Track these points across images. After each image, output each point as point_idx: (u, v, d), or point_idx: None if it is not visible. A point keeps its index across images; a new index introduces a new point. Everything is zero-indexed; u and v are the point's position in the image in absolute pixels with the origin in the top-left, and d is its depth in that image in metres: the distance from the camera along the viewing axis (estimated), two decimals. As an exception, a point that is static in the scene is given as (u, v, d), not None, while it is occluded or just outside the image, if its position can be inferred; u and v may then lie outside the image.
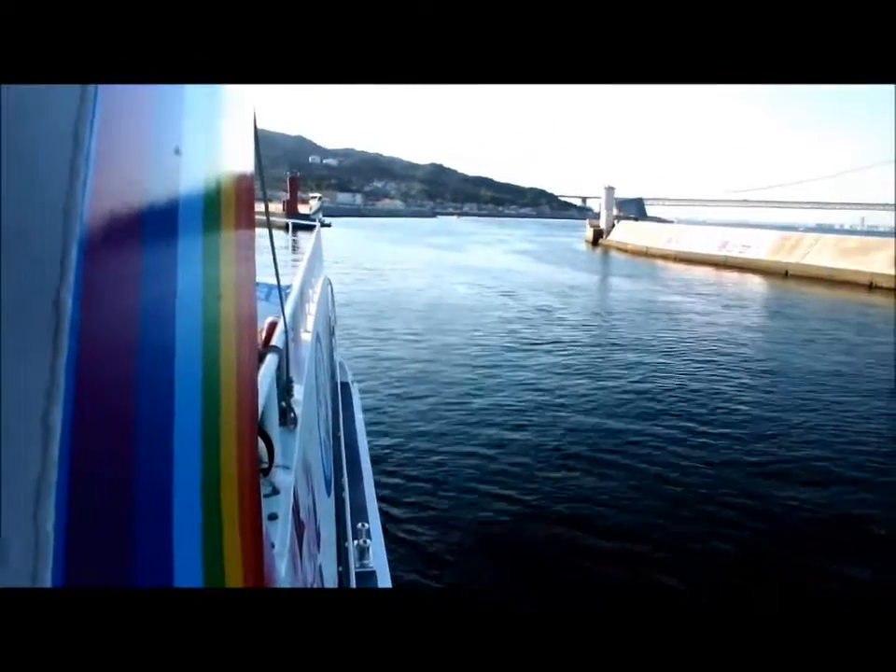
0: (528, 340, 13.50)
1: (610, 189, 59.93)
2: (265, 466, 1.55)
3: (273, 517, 1.45)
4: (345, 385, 5.99)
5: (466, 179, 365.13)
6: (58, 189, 0.35)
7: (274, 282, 1.85)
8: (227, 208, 0.81)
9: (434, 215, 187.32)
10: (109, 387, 0.42)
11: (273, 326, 2.22)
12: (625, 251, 48.66)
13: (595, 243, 57.87)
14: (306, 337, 3.11)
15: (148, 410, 0.49)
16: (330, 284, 6.04)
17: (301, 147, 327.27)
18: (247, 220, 0.96)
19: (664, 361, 12.03)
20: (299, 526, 1.67)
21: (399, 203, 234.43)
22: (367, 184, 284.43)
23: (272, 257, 1.73)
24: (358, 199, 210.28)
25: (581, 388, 9.95)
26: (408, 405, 8.76)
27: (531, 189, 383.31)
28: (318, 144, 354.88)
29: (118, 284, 0.44)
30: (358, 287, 20.12)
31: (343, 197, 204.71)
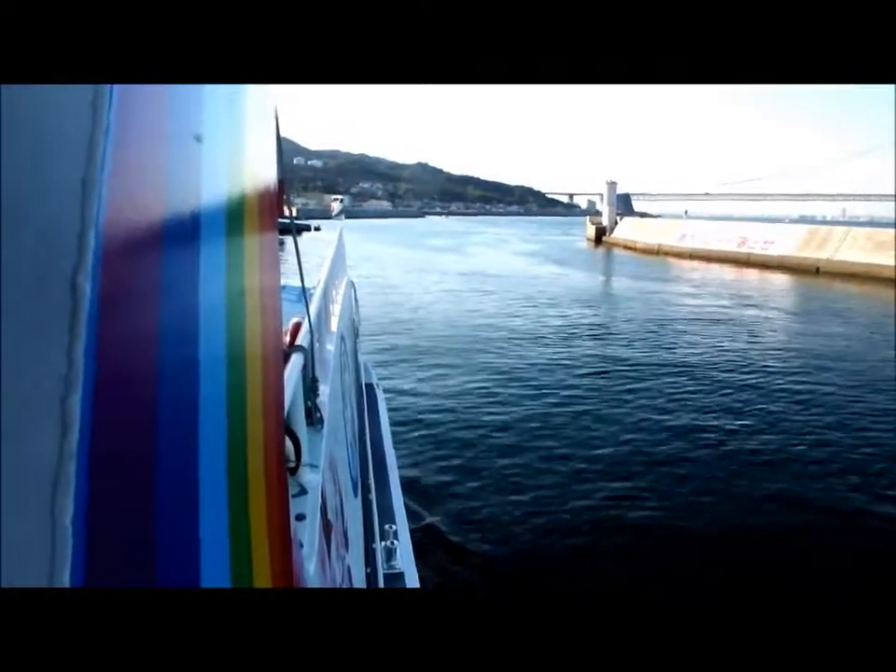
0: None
1: (612, 185, 57.55)
2: (292, 465, 1.53)
3: (300, 517, 1.44)
4: (370, 387, 5.87)
5: (452, 178, 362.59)
6: (75, 175, 0.34)
7: (297, 285, 1.89)
8: (250, 210, 0.81)
9: (423, 215, 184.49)
10: (130, 379, 0.41)
11: (297, 326, 2.28)
12: (634, 249, 46.28)
13: (598, 241, 55.47)
14: (331, 338, 3.10)
15: (172, 405, 0.48)
16: (354, 286, 5.87)
17: (285, 148, 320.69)
18: (271, 222, 0.97)
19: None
20: (326, 526, 1.66)
21: (386, 204, 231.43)
22: (353, 185, 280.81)
23: (296, 259, 1.77)
24: (346, 200, 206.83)
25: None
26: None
27: (518, 187, 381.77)
28: (302, 145, 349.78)
29: (138, 272, 0.43)
30: (369, 302, 17.24)
31: (330, 199, 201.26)
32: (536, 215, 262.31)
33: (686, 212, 52.92)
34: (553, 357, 11.73)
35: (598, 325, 15.32)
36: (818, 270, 30.64)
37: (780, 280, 28.30)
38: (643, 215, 61.22)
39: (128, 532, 0.39)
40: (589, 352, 12.25)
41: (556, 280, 26.15)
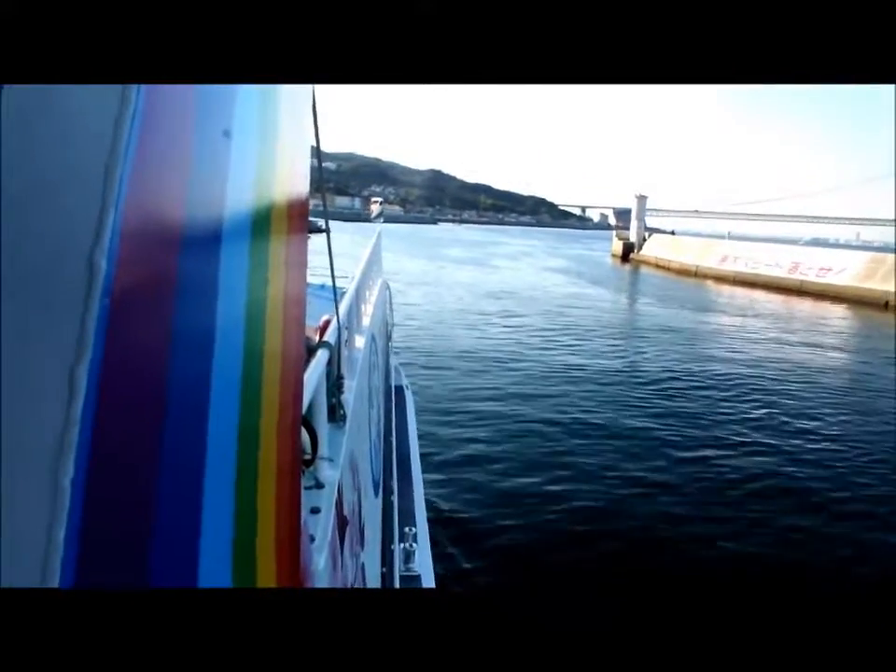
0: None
1: (643, 199, 54.62)
2: (308, 457, 1.53)
3: (315, 510, 1.44)
4: (400, 389, 5.82)
5: (465, 186, 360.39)
6: (99, 162, 0.35)
7: (340, 282, 1.98)
8: (278, 208, 0.82)
9: (435, 221, 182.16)
10: (141, 360, 0.41)
11: (327, 323, 2.29)
12: (667, 269, 43.14)
13: (624, 258, 52.43)
14: (361, 337, 3.07)
15: (182, 390, 0.48)
16: (388, 287, 5.93)
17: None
18: (300, 222, 0.96)
19: None
20: (341, 521, 1.65)
21: (398, 209, 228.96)
22: (365, 188, 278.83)
23: (328, 258, 1.80)
24: (357, 203, 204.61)
25: None
26: None
27: (530, 198, 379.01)
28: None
29: (156, 257, 0.44)
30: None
31: (342, 201, 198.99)
32: (548, 226, 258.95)
33: (728, 233, 49.40)
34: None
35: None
36: (887, 304, 27.42)
37: (849, 314, 25.17)
38: (657, 230, 58.16)
39: (128, 508, 0.39)
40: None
41: (583, 300, 23.05)
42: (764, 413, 10.06)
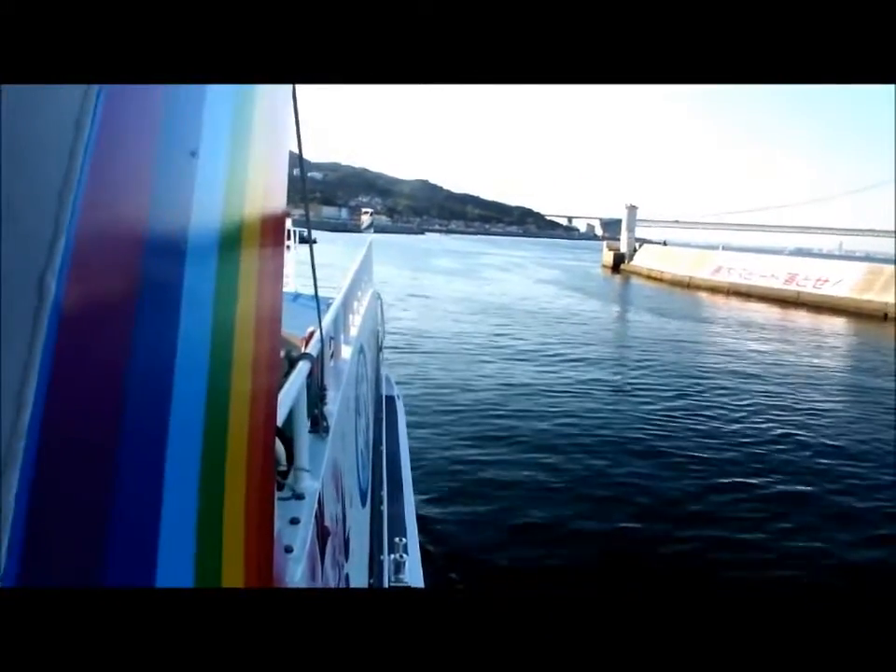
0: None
1: (633, 209, 54.06)
2: (283, 468, 1.52)
3: (294, 521, 1.44)
4: (391, 399, 5.76)
5: (452, 196, 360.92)
6: (53, 181, 0.35)
7: (327, 295, 2.13)
8: (251, 220, 0.81)
9: (422, 231, 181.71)
10: (94, 376, 0.41)
11: (312, 335, 2.34)
12: (659, 280, 42.49)
13: (615, 268, 51.83)
14: (348, 347, 3.06)
15: (140, 404, 0.48)
16: (380, 298, 5.88)
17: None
18: (274, 235, 0.94)
19: None
20: (322, 533, 1.63)
21: (385, 219, 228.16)
22: (352, 198, 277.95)
23: (311, 268, 1.75)
24: (344, 213, 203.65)
25: None
26: None
27: (517, 208, 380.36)
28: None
29: (113, 276, 0.43)
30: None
31: (329, 211, 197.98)
32: (535, 236, 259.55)
33: (723, 245, 48.93)
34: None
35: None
36: (885, 316, 26.84)
37: (851, 327, 24.51)
38: (645, 241, 57.83)
39: (75, 525, 0.39)
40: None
41: (586, 314, 22.15)
42: (779, 435, 9.31)
